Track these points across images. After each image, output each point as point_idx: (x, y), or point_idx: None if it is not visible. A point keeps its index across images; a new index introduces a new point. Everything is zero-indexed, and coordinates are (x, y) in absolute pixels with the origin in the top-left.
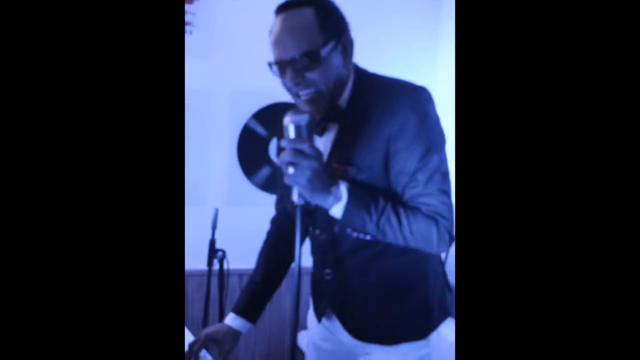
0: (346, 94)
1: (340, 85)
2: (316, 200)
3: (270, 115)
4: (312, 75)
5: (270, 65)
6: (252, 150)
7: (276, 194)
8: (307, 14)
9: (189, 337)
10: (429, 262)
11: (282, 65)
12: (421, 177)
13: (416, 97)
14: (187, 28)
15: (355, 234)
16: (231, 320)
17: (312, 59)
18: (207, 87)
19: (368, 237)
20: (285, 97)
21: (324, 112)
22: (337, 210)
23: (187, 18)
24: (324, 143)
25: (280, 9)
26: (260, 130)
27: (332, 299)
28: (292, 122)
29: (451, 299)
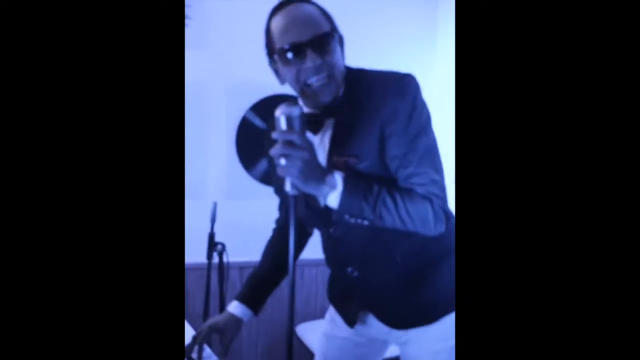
0: (341, 88)
1: (341, 75)
2: (310, 189)
3: (269, 108)
4: (327, 58)
5: (284, 50)
6: (250, 143)
7: (278, 194)
8: (309, 7)
9: (190, 331)
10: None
11: (299, 49)
12: (412, 157)
13: (404, 84)
14: None
15: (353, 220)
16: (234, 307)
17: (325, 42)
18: (205, 80)
19: (366, 223)
20: (283, 89)
21: (326, 103)
22: (333, 199)
23: None
24: (322, 140)
25: (278, 8)
26: (258, 122)
27: (364, 296)
28: (284, 113)
29: None
